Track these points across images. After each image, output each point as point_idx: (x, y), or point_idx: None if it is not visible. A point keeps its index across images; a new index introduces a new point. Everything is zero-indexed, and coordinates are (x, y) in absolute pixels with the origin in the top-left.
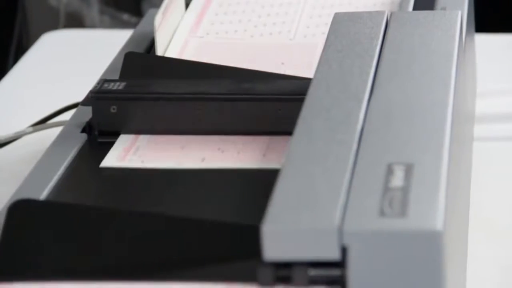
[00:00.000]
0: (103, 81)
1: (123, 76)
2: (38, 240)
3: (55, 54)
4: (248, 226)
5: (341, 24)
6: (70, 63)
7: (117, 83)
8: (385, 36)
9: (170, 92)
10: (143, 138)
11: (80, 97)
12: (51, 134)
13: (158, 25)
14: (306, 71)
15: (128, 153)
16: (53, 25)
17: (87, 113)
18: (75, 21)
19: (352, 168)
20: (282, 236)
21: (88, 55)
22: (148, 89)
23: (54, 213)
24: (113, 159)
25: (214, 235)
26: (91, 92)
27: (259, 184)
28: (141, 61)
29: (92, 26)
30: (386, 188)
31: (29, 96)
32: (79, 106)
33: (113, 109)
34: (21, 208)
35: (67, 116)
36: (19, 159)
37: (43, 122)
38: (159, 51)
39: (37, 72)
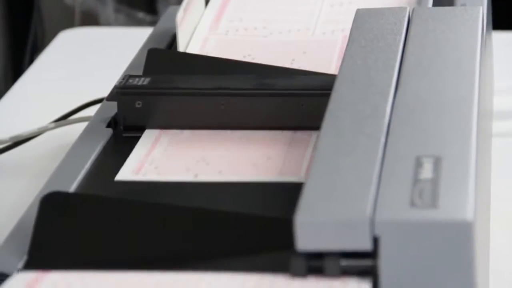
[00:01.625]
0: (128, 76)
1: (146, 72)
2: (69, 231)
3: (72, 52)
4: (280, 219)
5: (364, 20)
6: (87, 60)
7: (142, 79)
8: (408, 32)
9: (195, 88)
10: (158, 149)
11: (98, 94)
12: (72, 129)
13: (180, 21)
14: (326, 67)
15: (143, 164)
16: (68, 24)
17: (112, 108)
18: (90, 19)
19: (381, 160)
20: (315, 227)
21: (104, 53)
22: (173, 85)
23: (85, 205)
24: (128, 172)
25: (246, 227)
26: (116, 87)
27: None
28: (164, 57)
29: (107, 24)
30: (416, 180)
31: (49, 93)
32: (104, 102)
33: (138, 104)
34: (53, 200)
35: (88, 112)
36: (41, 155)
37: (64, 118)
38: (181, 48)
39: (55, 69)
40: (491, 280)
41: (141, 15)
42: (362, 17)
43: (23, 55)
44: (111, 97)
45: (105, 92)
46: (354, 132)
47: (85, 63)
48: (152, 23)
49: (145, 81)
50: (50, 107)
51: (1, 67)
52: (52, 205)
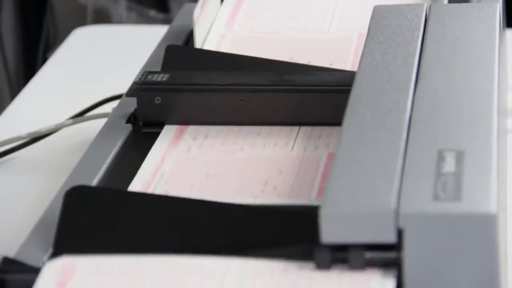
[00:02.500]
0: (147, 73)
1: (164, 68)
2: (93, 224)
3: (86, 49)
4: (305, 213)
5: (382, 16)
6: (101, 57)
7: (161, 75)
8: (426, 28)
9: (213, 83)
10: (168, 162)
11: (113, 91)
12: (89, 126)
13: (197, 18)
14: (342, 65)
15: (154, 179)
16: (81, 22)
17: (130, 104)
18: (102, 17)
19: (403, 154)
20: (340, 219)
21: (118, 50)
22: (192, 81)
23: (108, 198)
24: (138, 186)
25: (273, 221)
26: (135, 83)
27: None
28: (182, 54)
29: (119, 22)
30: (439, 174)
31: (64, 90)
32: (123, 97)
33: (158, 100)
34: (77, 194)
35: (103, 109)
36: (59, 151)
37: (81, 115)
38: (198, 44)
39: (70, 66)
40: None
41: (152, 13)
42: (379, 14)
43: (36, 53)
44: (131, 93)
45: (119, 89)
46: (375, 126)
47: (99, 61)
48: (164, 21)
49: (164, 77)
50: (66, 104)
51: (14, 65)
52: (77, 199)
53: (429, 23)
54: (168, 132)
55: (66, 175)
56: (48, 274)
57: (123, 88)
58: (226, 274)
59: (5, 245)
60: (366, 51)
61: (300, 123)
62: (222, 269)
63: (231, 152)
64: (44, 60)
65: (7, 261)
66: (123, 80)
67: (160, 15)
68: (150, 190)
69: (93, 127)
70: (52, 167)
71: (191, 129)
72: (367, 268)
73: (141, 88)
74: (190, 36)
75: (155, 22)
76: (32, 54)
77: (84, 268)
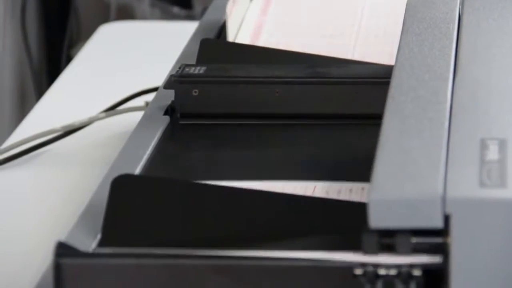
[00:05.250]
0: (184, 65)
1: (199, 61)
2: (139, 211)
3: (113, 45)
4: (350, 202)
5: (416, 9)
6: (128, 53)
7: (198, 68)
8: (460, 20)
9: (250, 76)
10: None
11: (142, 85)
12: (121, 119)
13: (230, 12)
14: (375, 57)
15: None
16: (104, 19)
17: (167, 96)
18: (126, 14)
19: (446, 143)
20: (387, 205)
21: (144, 46)
22: (228, 73)
23: (154, 186)
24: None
25: (318, 210)
26: (173, 76)
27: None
28: (216, 47)
29: (143, 19)
30: (483, 161)
31: (93, 85)
32: (159, 90)
33: (195, 92)
34: (123, 182)
35: (135, 102)
36: (92, 143)
37: (113, 108)
38: (230, 38)
39: (98, 62)
40: None
41: (176, 9)
42: (414, 7)
43: (60, 50)
44: (168, 85)
45: (147, 84)
46: (417, 116)
47: (125, 56)
48: (187, 18)
49: (201, 70)
50: (95, 98)
51: (38, 62)
52: (123, 187)
53: (464, 15)
54: None
55: (99, 167)
56: None
57: (151, 83)
58: None
59: (43, 234)
60: (402, 44)
61: (335, 115)
62: None
63: None
64: (68, 57)
65: (62, 245)
66: (150, 75)
67: (183, 12)
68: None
69: (124, 120)
70: (85, 159)
71: None
72: (413, 254)
73: (179, 80)
74: (221, 31)
75: (178, 18)
76: (56, 51)
77: None
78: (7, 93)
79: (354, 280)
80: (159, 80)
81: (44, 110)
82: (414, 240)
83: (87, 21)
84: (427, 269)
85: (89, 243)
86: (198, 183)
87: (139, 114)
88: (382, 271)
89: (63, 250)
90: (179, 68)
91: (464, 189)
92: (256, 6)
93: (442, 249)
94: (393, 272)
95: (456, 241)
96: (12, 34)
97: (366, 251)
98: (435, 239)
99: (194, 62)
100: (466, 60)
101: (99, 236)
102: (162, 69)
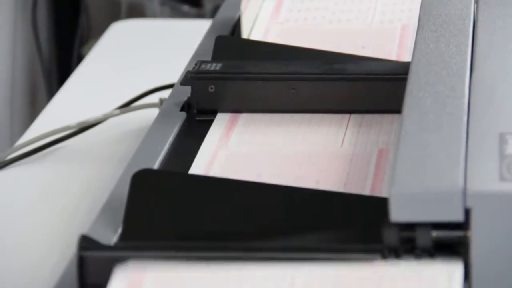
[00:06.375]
0: (200, 62)
1: (214, 58)
2: (159, 205)
3: (125, 43)
4: (370, 196)
5: (431, 6)
6: (140, 50)
7: (214, 64)
8: (476, 17)
9: (266, 72)
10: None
11: (155, 82)
12: (135, 116)
13: (244, 9)
14: (388, 54)
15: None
16: (114, 17)
17: (184, 92)
18: (136, 12)
19: (466, 137)
20: (408, 198)
21: (156, 43)
22: (244, 69)
23: (173, 181)
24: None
25: (338, 204)
26: (190, 72)
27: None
28: (231, 44)
29: (153, 17)
30: (502, 155)
31: (106, 82)
32: (175, 86)
33: (211, 88)
34: (143, 177)
35: (149, 99)
36: (107, 140)
37: (127, 105)
38: (245, 35)
39: (110, 59)
40: None
41: (186, 8)
42: (429, 4)
43: (71, 48)
44: (185, 81)
45: (160, 81)
46: (436, 111)
47: (137, 54)
48: (197, 16)
49: (217, 66)
50: (109, 95)
51: (49, 60)
52: (143, 181)
53: (479, 12)
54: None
55: (114, 163)
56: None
57: (163, 80)
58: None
59: (60, 229)
60: (419, 40)
61: (350, 111)
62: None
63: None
64: (79, 55)
65: (85, 239)
66: (162, 72)
67: (193, 10)
68: None
69: (139, 117)
70: (100, 156)
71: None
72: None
73: (196, 77)
74: (234, 29)
75: (188, 16)
76: (67, 50)
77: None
78: (19, 91)
79: None
80: (171, 77)
81: (58, 107)
82: (435, 233)
83: (97, 19)
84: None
85: (110, 236)
86: (217, 178)
87: (153, 111)
88: None
89: (86, 243)
90: (196, 64)
91: (485, 183)
92: (270, 3)
93: (462, 243)
94: None
95: (477, 235)
96: (23, 33)
97: (387, 245)
98: (456, 232)
99: (208, 59)
100: (483, 56)
101: (119, 230)
102: (174, 66)
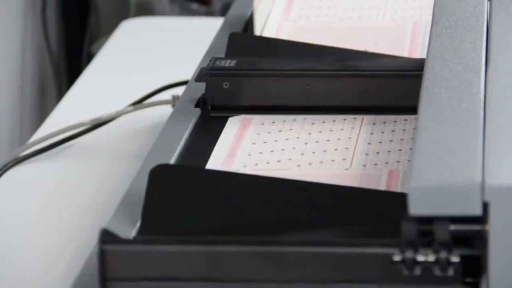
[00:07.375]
0: (214, 59)
1: (228, 55)
2: (177, 200)
3: (135, 40)
4: (388, 192)
5: (445, 2)
6: (151, 48)
7: (228, 61)
8: (489, 14)
9: (280, 69)
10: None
11: (167, 79)
12: (148, 113)
13: (257, 6)
14: (399, 52)
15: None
16: (123, 15)
17: (198, 89)
18: (145, 11)
19: (483, 132)
20: (427, 192)
21: (166, 41)
22: (259, 66)
23: (191, 176)
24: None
25: (356, 199)
26: (204, 69)
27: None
28: (244, 41)
29: (162, 15)
30: None
31: (118, 79)
32: (189, 82)
33: (226, 85)
34: (161, 172)
35: (161, 96)
36: (119, 136)
37: (140, 102)
38: (257, 32)
39: (121, 57)
40: None
41: (195, 6)
42: (442, 1)
43: (81, 46)
44: (200, 78)
45: (172, 78)
46: (452, 106)
47: (148, 51)
48: (206, 14)
49: (231, 63)
50: (121, 92)
51: (59, 58)
52: (161, 176)
53: (492, 9)
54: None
55: (127, 159)
56: None
57: (174, 77)
58: None
59: (74, 224)
60: (433, 37)
61: (363, 107)
62: None
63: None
64: (89, 53)
65: (106, 232)
66: (172, 70)
67: (202, 8)
68: None
69: (151, 113)
70: (113, 152)
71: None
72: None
73: (210, 73)
74: (246, 26)
75: (197, 14)
76: (77, 48)
77: None
78: (28, 89)
79: (393, 267)
80: (181, 74)
81: (69, 105)
82: (453, 227)
83: (107, 18)
84: (465, 256)
85: (128, 231)
86: (234, 173)
87: (165, 108)
88: (420, 258)
89: (107, 237)
90: (210, 61)
91: (503, 177)
92: (281, 2)
93: (480, 237)
94: (431, 258)
95: (495, 228)
96: (33, 32)
97: (405, 238)
98: (474, 226)
99: (222, 56)
100: (497, 52)
101: (138, 224)
102: (183, 64)
